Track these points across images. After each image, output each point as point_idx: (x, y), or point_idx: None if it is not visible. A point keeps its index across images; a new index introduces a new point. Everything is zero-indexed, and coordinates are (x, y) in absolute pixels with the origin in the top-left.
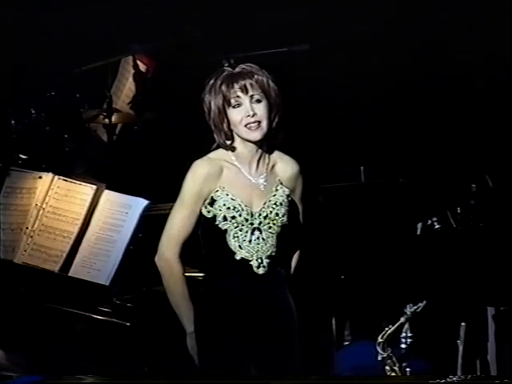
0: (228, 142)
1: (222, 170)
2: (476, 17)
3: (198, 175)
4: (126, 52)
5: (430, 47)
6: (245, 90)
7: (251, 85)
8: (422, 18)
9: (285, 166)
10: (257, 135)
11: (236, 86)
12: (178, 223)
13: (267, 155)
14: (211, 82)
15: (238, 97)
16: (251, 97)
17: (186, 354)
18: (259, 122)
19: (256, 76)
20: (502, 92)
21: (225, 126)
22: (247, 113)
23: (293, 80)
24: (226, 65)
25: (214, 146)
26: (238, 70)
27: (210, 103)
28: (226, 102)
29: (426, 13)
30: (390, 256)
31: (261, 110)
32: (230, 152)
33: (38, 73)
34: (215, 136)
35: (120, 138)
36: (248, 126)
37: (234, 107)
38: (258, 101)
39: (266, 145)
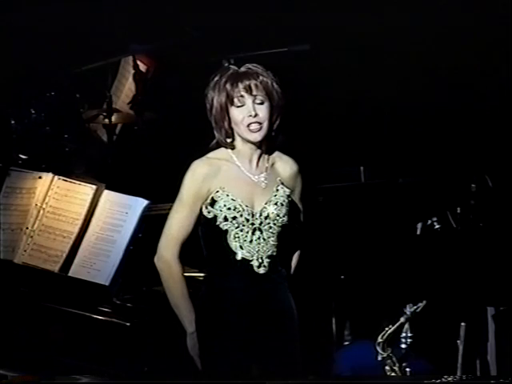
0: (228, 140)
1: (221, 170)
2: (476, 17)
3: (197, 175)
4: (126, 52)
5: (431, 47)
6: (249, 90)
7: (256, 86)
8: (422, 17)
9: (284, 165)
10: (257, 136)
11: (240, 86)
12: (177, 223)
13: (267, 154)
14: (216, 78)
15: (241, 96)
16: (254, 97)
17: (186, 354)
18: (260, 124)
19: (261, 77)
20: (501, 92)
21: (226, 123)
22: (249, 113)
23: (293, 80)
24: (230, 63)
25: (213, 143)
26: (243, 69)
27: (212, 100)
28: (229, 100)
29: (426, 12)
30: (389, 256)
31: (263, 111)
32: (229, 150)
33: (37, 73)
34: (215, 133)
35: (120, 137)
36: (249, 126)
37: (236, 106)
38: (261, 102)
39: (266, 145)
